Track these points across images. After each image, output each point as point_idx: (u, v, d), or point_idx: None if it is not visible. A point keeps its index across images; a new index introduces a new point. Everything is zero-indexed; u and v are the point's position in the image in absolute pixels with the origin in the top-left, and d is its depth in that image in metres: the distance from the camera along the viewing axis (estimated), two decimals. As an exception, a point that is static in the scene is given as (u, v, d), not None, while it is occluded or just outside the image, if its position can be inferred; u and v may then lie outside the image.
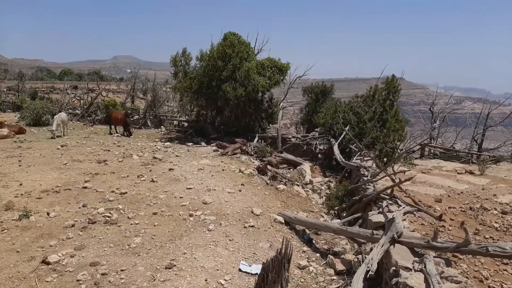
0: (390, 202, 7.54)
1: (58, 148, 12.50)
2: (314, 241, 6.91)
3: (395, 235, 5.45)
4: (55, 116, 15.77)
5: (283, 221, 7.36)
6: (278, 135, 15.38)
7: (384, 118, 13.90)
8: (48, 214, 6.70)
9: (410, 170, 10.53)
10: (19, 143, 13.32)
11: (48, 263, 4.97)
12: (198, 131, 17.37)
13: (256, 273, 5.12)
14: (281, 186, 9.78)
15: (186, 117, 22.39)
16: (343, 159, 11.88)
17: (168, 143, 15.13)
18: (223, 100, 15.78)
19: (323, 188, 11.18)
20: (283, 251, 4.09)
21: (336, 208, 9.19)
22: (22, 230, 6.07)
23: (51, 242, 5.63)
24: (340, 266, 5.83)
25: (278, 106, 17.74)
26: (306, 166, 12.46)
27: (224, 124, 17.27)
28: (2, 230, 6.01)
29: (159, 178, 9.37)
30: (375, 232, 5.92)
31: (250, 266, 5.31)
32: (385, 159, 11.98)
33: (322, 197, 10.28)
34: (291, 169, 12.72)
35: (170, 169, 10.22)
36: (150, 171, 10.09)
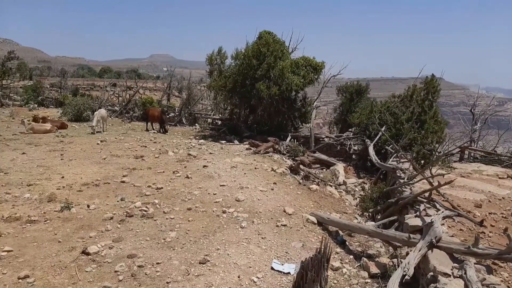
0: (428, 205, 7.30)
1: (97, 143, 13.01)
2: (347, 243, 6.81)
3: (434, 240, 5.28)
4: (95, 113, 16.41)
5: (316, 222, 7.31)
6: (311, 135, 15.27)
7: (422, 119, 13.48)
8: (88, 206, 6.99)
9: (449, 174, 10.15)
10: (61, 138, 13.96)
11: (87, 254, 5.18)
12: (231, 129, 17.56)
13: (289, 272, 5.14)
14: (314, 186, 9.70)
15: (220, 115, 22.67)
16: (379, 161, 11.62)
17: (202, 140, 15.38)
18: (257, 99, 15.85)
19: (357, 189, 11.00)
20: (322, 251, 4.08)
21: (371, 210, 9.01)
22: (64, 221, 6.37)
23: (91, 234, 5.87)
24: (374, 269, 5.72)
25: (312, 105, 17.61)
26: (340, 166, 12.29)
27: (257, 122, 17.35)
28: (45, 221, 6.32)
29: (194, 174, 9.55)
30: (412, 236, 5.76)
31: (282, 265, 5.32)
32: (422, 162, 11.61)
33: (356, 198, 10.11)
34: (324, 169, 12.60)
35: (204, 166, 10.39)
36: (185, 167, 10.30)
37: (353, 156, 14.74)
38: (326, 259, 4.10)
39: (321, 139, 16.04)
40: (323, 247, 4.10)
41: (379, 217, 8.64)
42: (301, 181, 10.05)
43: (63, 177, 8.73)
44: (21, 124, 15.48)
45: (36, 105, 24.29)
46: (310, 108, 17.34)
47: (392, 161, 11.31)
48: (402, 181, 9.06)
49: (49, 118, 17.50)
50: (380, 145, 13.34)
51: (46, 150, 11.57)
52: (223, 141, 15.39)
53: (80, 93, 28.60)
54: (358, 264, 6.03)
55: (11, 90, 29.41)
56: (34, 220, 6.26)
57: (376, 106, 15.73)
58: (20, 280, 4.45)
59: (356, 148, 14.87)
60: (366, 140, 14.11)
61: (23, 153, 11.04)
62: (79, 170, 9.44)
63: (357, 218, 8.69)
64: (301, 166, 11.02)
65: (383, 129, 13.04)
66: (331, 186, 10.45)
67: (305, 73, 15.99)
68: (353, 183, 11.48)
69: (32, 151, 11.42)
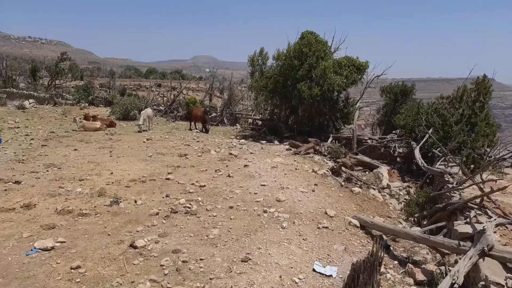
0: (479, 212, 6.94)
1: (144, 141, 13.51)
2: (391, 248, 6.62)
3: (485, 248, 5.01)
4: (141, 112, 17.02)
5: (358, 225, 7.15)
6: (354, 136, 14.94)
7: (472, 122, 12.80)
8: (135, 201, 7.28)
9: (501, 179, 9.59)
10: (110, 136, 14.63)
11: (135, 247, 5.39)
12: (271, 129, 17.58)
13: (331, 275, 5.07)
14: (356, 189, 9.50)
15: (260, 115, 22.77)
16: (425, 164, 11.17)
17: (243, 140, 15.53)
18: (297, 99, 15.75)
19: (401, 193, 10.64)
20: (375, 253, 4.02)
21: (416, 215, 8.69)
22: (113, 215, 6.66)
23: (138, 228, 6.11)
24: (420, 276, 5.51)
25: (354, 106, 17.25)
26: (384, 169, 11.94)
27: (297, 123, 17.24)
28: (96, 214, 6.65)
29: (235, 173, 9.66)
30: (461, 243, 5.50)
31: (324, 267, 5.26)
32: (472, 166, 11.04)
33: (401, 202, 9.79)
34: (367, 172, 12.29)
35: (245, 166, 10.49)
36: (226, 166, 10.45)
37: (398, 159, 14.25)
38: (379, 262, 4.03)
39: (363, 140, 15.66)
40: (375, 249, 4.03)
41: (425, 222, 8.32)
42: (343, 183, 9.87)
43: (112, 173, 9.14)
44: (73, 122, 16.39)
45: (86, 104, 25.58)
46: (352, 109, 16.99)
47: (439, 165, 10.85)
48: (450, 186, 8.67)
49: (98, 116, 18.38)
50: (426, 148, 12.81)
51: (96, 147, 12.17)
52: (264, 141, 15.44)
53: (127, 93, 29.78)
54: (403, 270, 5.84)
55: (63, 90, 31.18)
56: (86, 214, 6.61)
57: (423, 107, 15.14)
58: (72, 270, 4.70)
59: (400, 150, 14.36)
60: (411, 143, 13.61)
61: (75, 149, 11.69)
62: (126, 166, 9.85)
63: (401, 223, 8.41)
64: (343, 168, 10.82)
65: (430, 131, 12.52)
66: (374, 189, 10.19)
67: (348, 73, 15.69)
68: (397, 187, 11.12)
69: (83, 147, 12.06)
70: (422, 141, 12.80)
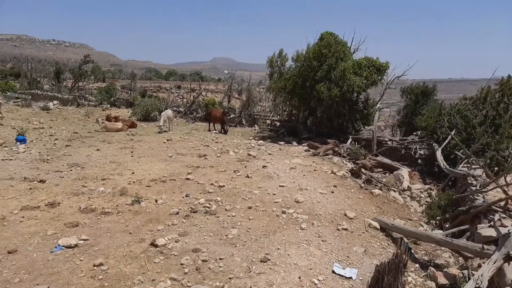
0: (503, 215, 6.76)
1: (164, 142, 13.70)
2: (412, 251, 6.51)
3: (511, 252, 4.87)
4: (162, 113, 17.28)
5: (379, 227, 7.06)
6: (374, 137, 14.78)
7: (496, 123, 12.46)
8: (156, 201, 7.39)
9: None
10: (131, 136, 14.90)
11: (156, 246, 5.47)
12: (290, 130, 17.56)
13: (350, 277, 5.03)
14: (376, 191, 9.39)
15: (278, 116, 22.77)
16: (447, 166, 10.95)
17: (261, 141, 15.56)
18: (316, 101, 15.70)
19: (422, 195, 10.45)
20: (400, 255, 3.98)
21: (438, 218, 8.52)
22: (134, 214, 6.78)
23: (159, 227, 6.19)
24: (442, 280, 5.41)
25: (374, 107, 17.05)
26: (404, 171, 11.76)
27: (316, 124, 17.17)
28: (118, 213, 6.78)
29: (254, 174, 9.69)
30: (485, 246, 5.36)
31: (344, 269, 5.22)
32: (496, 169, 10.74)
33: (422, 205, 9.61)
34: (387, 174, 12.13)
35: (263, 166, 10.50)
36: (245, 167, 10.49)
37: (419, 161, 14.00)
38: (404, 263, 3.99)
39: (384, 142, 15.46)
40: (401, 251, 4.00)
41: (447, 225, 8.15)
42: (362, 185, 9.77)
43: (133, 173, 9.31)
44: (96, 123, 16.77)
45: (108, 106, 26.14)
46: (372, 110, 16.81)
47: (462, 167, 10.61)
48: (473, 188, 8.47)
49: (120, 117, 18.74)
50: (449, 150, 12.55)
51: (118, 147, 12.41)
52: (282, 142, 15.43)
53: (148, 94, 30.28)
54: (425, 273, 5.73)
55: (86, 92, 31.95)
56: (108, 212, 6.75)
57: (445, 108, 14.85)
58: (95, 267, 4.80)
59: (422, 152, 14.12)
60: (433, 144, 13.36)
61: (97, 149, 11.96)
62: (147, 166, 10.01)
63: (422, 226, 8.27)
64: (363, 170, 10.71)
65: (452, 132, 12.26)
66: (394, 191, 10.05)
67: (367, 74, 15.54)
68: (418, 189, 10.93)
69: (105, 148, 12.32)
70: (445, 143, 12.55)
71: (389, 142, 15.53)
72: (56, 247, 5.30)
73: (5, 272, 4.60)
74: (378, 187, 9.89)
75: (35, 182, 8.32)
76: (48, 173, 9.05)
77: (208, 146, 13.47)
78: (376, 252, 6.04)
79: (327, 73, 15.20)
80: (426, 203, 9.74)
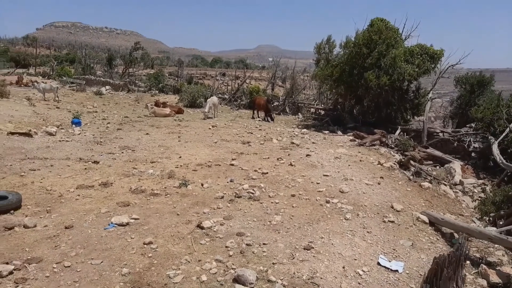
0: None
1: (209, 128, 13.97)
2: (463, 247, 6.21)
3: None
4: (207, 100, 17.58)
5: (427, 221, 6.79)
6: (424, 129, 14.14)
7: (561, 116, 11.49)
8: (202, 185, 7.57)
9: None
10: (178, 122, 15.31)
11: (202, 228, 5.61)
12: (335, 119, 17.24)
13: (397, 270, 4.90)
14: (426, 184, 9.01)
15: (323, 105, 22.41)
16: (504, 161, 10.28)
17: (304, 129, 15.42)
18: (364, 89, 15.24)
19: (475, 190, 9.90)
20: (461, 248, 3.85)
21: (492, 214, 8.04)
22: (182, 196, 6.99)
23: (204, 210, 6.35)
24: (495, 278, 5.12)
25: (426, 97, 16.27)
26: (456, 164, 11.18)
27: (362, 113, 16.72)
28: (166, 195, 7.02)
29: (297, 162, 9.64)
30: (546, 247, 5.00)
31: (389, 261, 5.09)
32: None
33: (475, 200, 9.11)
34: (438, 167, 11.59)
35: (307, 155, 10.42)
36: (288, 155, 10.46)
37: (472, 154, 13.24)
38: (464, 257, 3.84)
39: (435, 133, 14.76)
40: (462, 245, 3.85)
41: (501, 222, 7.68)
42: (411, 177, 9.42)
43: (180, 157, 9.59)
44: (145, 108, 17.41)
45: (157, 92, 26.98)
46: (423, 100, 16.05)
47: (521, 162, 9.92)
48: (535, 185, 7.90)
49: (168, 103, 19.31)
50: (506, 143, 11.75)
51: (166, 132, 12.81)
52: (326, 131, 15.20)
53: (194, 81, 30.89)
54: (476, 271, 5.45)
55: (136, 78, 33.13)
56: (157, 194, 7.01)
57: (503, 99, 13.87)
58: (145, 245, 5.02)
59: (476, 145, 13.34)
60: (489, 137, 12.57)
61: (147, 133, 12.42)
62: (194, 151, 10.27)
63: (475, 222, 7.85)
64: (412, 162, 10.30)
65: (511, 125, 11.46)
66: (445, 185, 9.59)
67: (420, 62, 14.82)
68: (471, 184, 10.35)
69: (154, 132, 12.77)
70: (502, 136, 11.76)
71: (440, 134, 14.81)
72: (109, 225, 5.59)
73: (63, 246, 4.92)
74: (427, 180, 9.48)
75: (90, 162, 8.79)
76: (101, 155, 9.53)
77: (251, 133, 13.56)
78: (424, 246, 5.82)
79: (377, 61, 14.67)
80: (479, 198, 9.22)
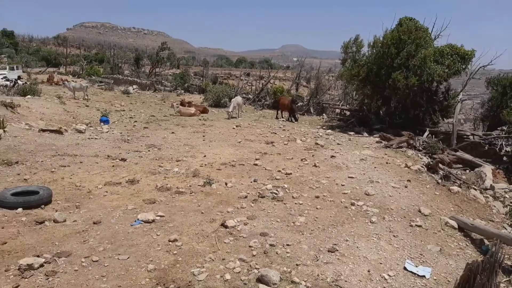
0: None
1: (233, 128, 14.04)
2: (494, 255, 5.99)
3: None
4: (232, 100, 17.68)
5: (456, 226, 6.58)
6: (454, 131, 13.73)
7: None
8: (226, 184, 7.61)
9: None
10: (203, 121, 15.47)
11: (226, 227, 5.64)
12: (360, 120, 16.97)
13: (424, 276, 4.77)
14: (455, 188, 8.74)
15: (348, 105, 22.12)
16: (538, 166, 9.86)
17: (329, 130, 15.26)
18: (391, 90, 14.92)
19: (507, 196, 9.51)
20: (495, 255, 3.72)
21: (525, 221, 7.72)
22: (206, 195, 7.05)
23: (228, 209, 6.38)
24: (528, 289, 4.91)
25: (456, 99, 15.79)
26: (487, 168, 10.79)
27: (389, 115, 16.39)
28: (191, 193, 7.09)
29: (321, 163, 9.55)
30: None
31: (416, 266, 4.96)
32: None
33: (506, 206, 8.76)
34: (467, 171, 11.23)
35: (331, 156, 10.31)
36: (312, 156, 10.38)
37: (504, 158, 12.76)
38: (499, 264, 3.72)
39: (464, 136, 14.30)
40: (496, 251, 3.73)
41: (536, 230, 7.36)
42: (439, 181, 9.16)
43: (205, 156, 9.68)
44: (171, 107, 17.70)
45: (182, 91, 27.36)
46: (453, 102, 15.58)
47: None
48: None
49: (193, 103, 19.55)
50: (541, 147, 11.29)
51: (191, 131, 12.97)
52: (351, 133, 14.99)
53: (219, 81, 31.13)
54: (507, 279, 5.25)
55: (162, 77, 33.70)
56: (182, 192, 7.10)
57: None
58: (170, 243, 5.08)
59: (508, 149, 12.84)
60: (523, 141, 12.09)
61: (172, 132, 12.61)
62: (218, 150, 10.35)
63: (506, 228, 7.55)
64: (440, 165, 10.03)
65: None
66: (475, 189, 9.27)
67: (450, 63, 14.39)
68: (503, 189, 9.96)
69: (179, 131, 12.95)
70: (537, 140, 11.29)
71: (470, 137, 14.34)
72: (135, 221, 5.70)
73: (91, 241, 5.04)
74: (457, 184, 9.19)
75: (117, 160, 9.00)
76: (128, 152, 9.74)
77: (275, 133, 13.53)
78: (453, 252, 5.65)
79: (406, 61, 14.35)
80: (510, 204, 8.88)
